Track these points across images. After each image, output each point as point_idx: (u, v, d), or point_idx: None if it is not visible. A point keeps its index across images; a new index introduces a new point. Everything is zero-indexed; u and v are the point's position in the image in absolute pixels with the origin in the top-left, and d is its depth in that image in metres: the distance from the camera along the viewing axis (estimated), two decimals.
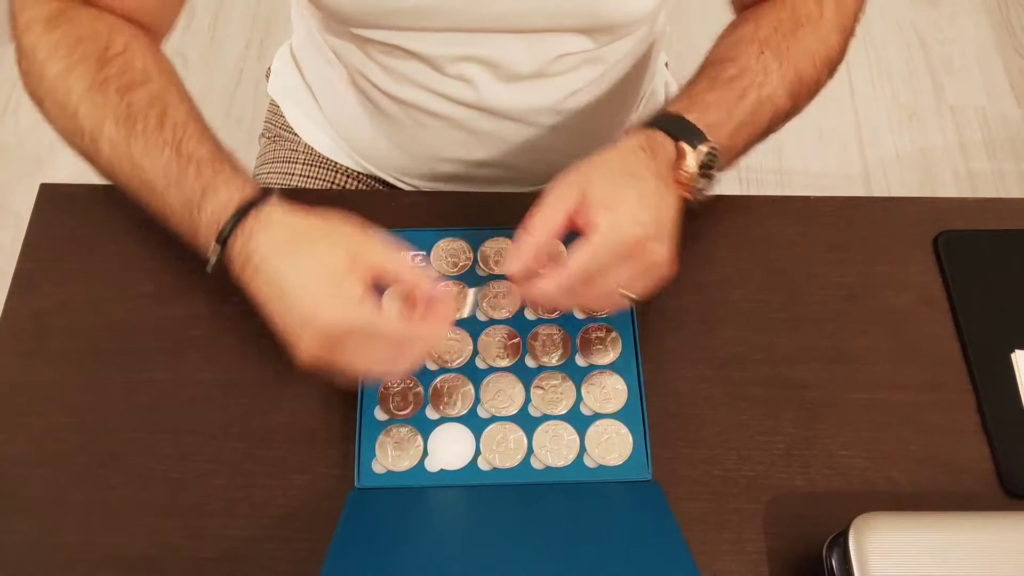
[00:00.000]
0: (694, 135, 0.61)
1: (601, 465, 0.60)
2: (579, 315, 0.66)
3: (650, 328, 0.66)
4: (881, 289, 0.69)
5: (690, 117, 0.62)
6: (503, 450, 0.61)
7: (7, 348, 0.66)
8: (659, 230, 0.56)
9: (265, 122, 0.98)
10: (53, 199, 0.73)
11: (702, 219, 0.71)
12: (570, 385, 0.63)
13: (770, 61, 0.66)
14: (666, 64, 0.99)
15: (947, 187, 1.69)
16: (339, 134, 0.90)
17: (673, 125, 0.62)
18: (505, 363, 0.64)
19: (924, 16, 1.92)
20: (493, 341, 0.65)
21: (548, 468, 0.60)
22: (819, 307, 0.68)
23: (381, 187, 0.92)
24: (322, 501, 0.60)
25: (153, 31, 0.68)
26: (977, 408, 0.64)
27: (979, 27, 1.90)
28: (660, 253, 0.56)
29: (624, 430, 0.62)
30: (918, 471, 0.61)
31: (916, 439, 0.63)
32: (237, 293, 0.67)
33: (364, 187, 0.92)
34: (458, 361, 0.64)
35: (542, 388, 0.63)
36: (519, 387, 0.63)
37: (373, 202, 0.73)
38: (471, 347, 0.64)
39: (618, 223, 0.55)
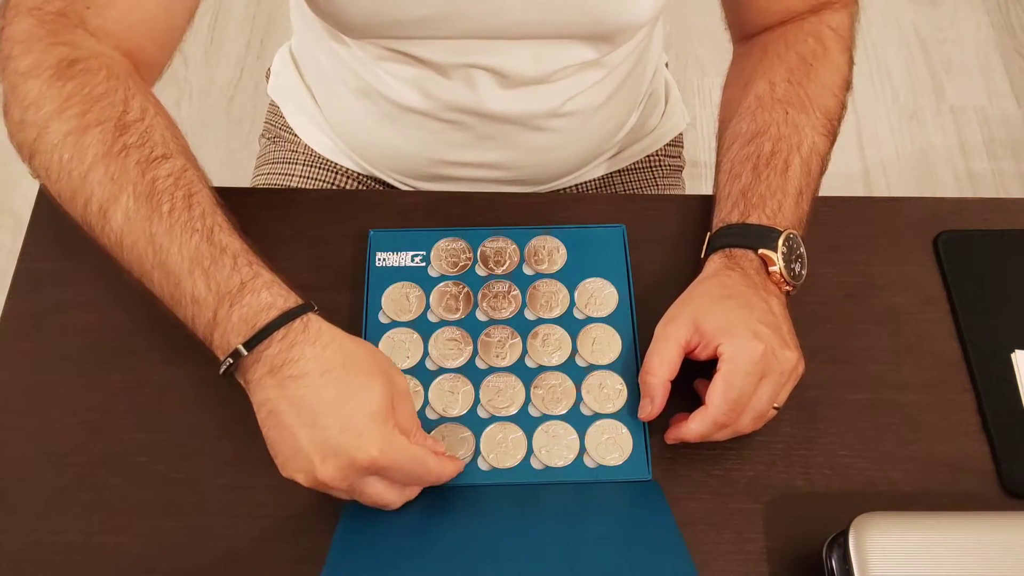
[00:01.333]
0: (767, 236, 0.62)
1: (601, 465, 0.60)
2: (579, 315, 0.66)
3: (650, 328, 0.66)
4: (881, 289, 0.69)
5: (753, 220, 0.63)
6: (503, 450, 0.61)
7: (7, 348, 0.66)
8: (779, 335, 0.59)
9: (265, 122, 0.98)
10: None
11: (703, 219, 0.71)
12: (570, 385, 0.63)
13: (797, 117, 0.67)
14: (666, 64, 0.99)
15: (947, 187, 1.69)
16: (339, 135, 0.90)
17: (743, 237, 0.63)
18: (505, 363, 0.64)
19: (924, 16, 1.92)
20: (493, 341, 0.65)
21: (548, 468, 0.60)
22: (819, 307, 0.68)
23: (381, 188, 0.92)
24: (322, 501, 0.60)
25: (151, 66, 0.65)
26: (977, 408, 0.64)
27: (979, 27, 1.90)
28: (788, 358, 0.58)
29: (624, 430, 0.62)
30: (918, 471, 0.61)
31: (916, 439, 0.63)
32: None
33: (364, 188, 0.92)
34: (459, 360, 0.64)
35: (542, 388, 0.63)
36: (519, 387, 0.63)
37: (373, 202, 0.73)
38: (471, 347, 0.64)
39: (740, 345, 0.57)
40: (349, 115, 0.85)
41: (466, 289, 0.67)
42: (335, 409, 0.51)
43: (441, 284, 0.67)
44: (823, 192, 0.71)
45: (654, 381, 0.59)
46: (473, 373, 0.64)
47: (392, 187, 0.91)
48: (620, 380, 0.63)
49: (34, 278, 0.69)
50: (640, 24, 0.73)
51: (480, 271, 0.68)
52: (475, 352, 0.64)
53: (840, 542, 0.53)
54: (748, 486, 0.61)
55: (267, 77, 0.99)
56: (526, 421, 0.62)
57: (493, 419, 0.62)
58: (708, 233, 0.66)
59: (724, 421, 0.57)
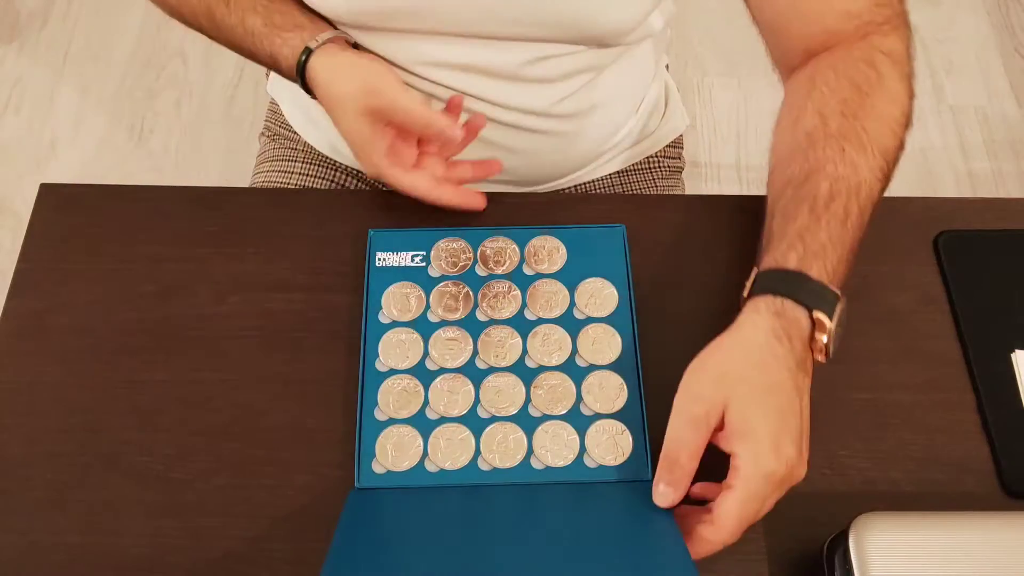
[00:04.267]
0: (824, 299, 0.56)
1: (601, 465, 0.60)
2: (579, 315, 0.66)
3: (650, 328, 0.66)
4: (881, 289, 0.69)
5: (814, 274, 0.57)
6: (503, 450, 0.61)
7: (7, 348, 0.66)
8: (798, 450, 0.53)
9: (265, 121, 0.98)
10: (53, 199, 0.73)
11: (703, 219, 0.71)
12: (570, 385, 0.63)
13: (855, 156, 0.62)
14: (667, 66, 0.98)
15: (947, 187, 1.69)
16: (337, 133, 0.89)
17: (801, 290, 0.56)
18: (505, 363, 0.64)
19: (924, 16, 1.92)
20: (493, 341, 0.65)
21: (548, 468, 0.60)
22: None
23: (381, 186, 0.92)
24: (322, 501, 0.60)
25: None
26: (977, 408, 0.64)
27: (979, 27, 1.90)
28: (798, 476, 0.53)
29: (624, 430, 0.62)
30: (918, 471, 0.61)
31: (916, 439, 0.63)
32: (237, 293, 0.68)
33: (364, 185, 0.91)
34: (459, 360, 0.64)
35: (542, 388, 0.63)
36: (519, 387, 0.63)
37: (373, 202, 0.73)
38: (471, 347, 0.64)
39: (761, 462, 0.52)
40: None
41: (466, 289, 0.67)
42: (342, 134, 0.69)
43: (441, 284, 0.67)
44: None
45: (679, 473, 0.54)
46: (473, 373, 0.64)
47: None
48: (620, 380, 0.63)
49: (34, 278, 0.69)
50: (622, 31, 0.73)
51: (480, 271, 0.68)
52: (475, 352, 0.64)
53: (840, 542, 0.53)
54: None
55: (267, 75, 0.99)
56: (526, 421, 0.62)
57: (493, 419, 0.62)
58: (755, 268, 0.60)
59: (731, 543, 0.53)
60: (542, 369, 0.64)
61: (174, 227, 0.71)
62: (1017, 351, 0.65)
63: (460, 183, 0.71)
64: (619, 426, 0.62)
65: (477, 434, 0.61)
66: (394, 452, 0.60)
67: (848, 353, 0.66)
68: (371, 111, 0.65)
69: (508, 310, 0.66)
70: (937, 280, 0.69)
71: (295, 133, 0.93)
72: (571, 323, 0.66)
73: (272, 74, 0.97)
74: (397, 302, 0.66)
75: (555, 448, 0.61)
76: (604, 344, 0.65)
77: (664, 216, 0.72)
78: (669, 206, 0.75)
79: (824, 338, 0.56)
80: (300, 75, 0.68)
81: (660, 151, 0.96)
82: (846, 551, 0.52)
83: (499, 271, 0.68)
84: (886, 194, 0.65)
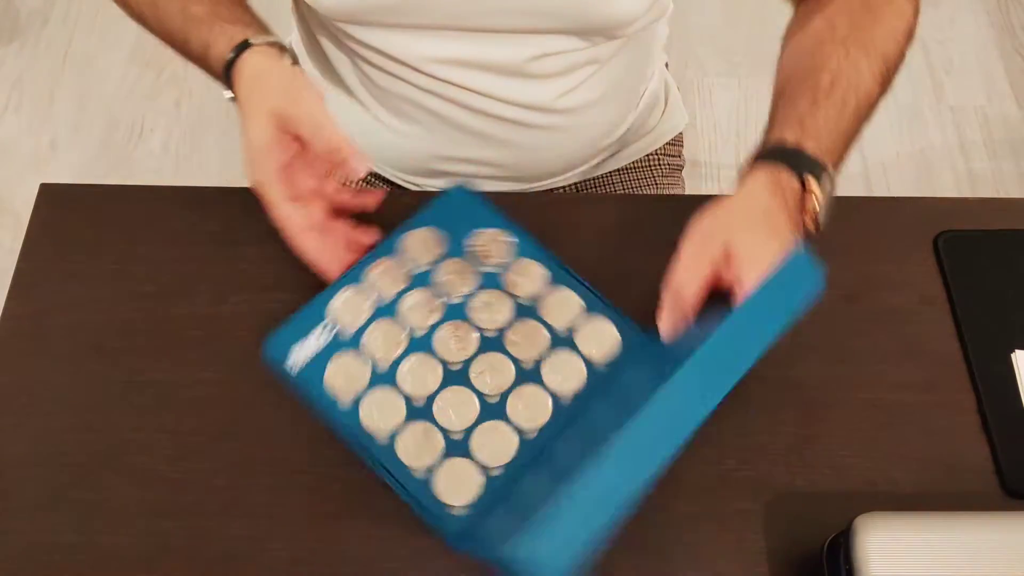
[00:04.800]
0: (817, 167, 0.61)
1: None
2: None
3: (650, 327, 0.66)
4: (881, 289, 0.69)
5: (808, 147, 0.61)
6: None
7: (7, 348, 0.66)
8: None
9: None
10: (53, 199, 0.73)
11: None
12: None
13: (859, 58, 0.66)
14: (666, 64, 0.99)
15: (947, 187, 1.69)
16: None
17: (794, 159, 0.61)
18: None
19: (924, 16, 1.89)
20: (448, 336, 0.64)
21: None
22: (819, 307, 0.68)
23: (380, 183, 0.92)
24: (322, 501, 0.60)
25: None
26: (977, 408, 0.64)
27: (979, 27, 1.90)
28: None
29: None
30: (918, 471, 0.61)
31: (916, 439, 0.63)
32: (237, 293, 0.68)
33: (363, 183, 0.92)
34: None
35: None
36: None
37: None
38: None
39: (761, 261, 0.55)
40: (346, 109, 0.85)
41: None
42: (242, 139, 0.63)
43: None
44: None
45: (681, 302, 0.58)
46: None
47: (391, 182, 0.91)
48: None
49: (34, 278, 0.69)
50: (626, 20, 0.73)
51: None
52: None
53: (840, 542, 0.53)
54: (748, 486, 0.61)
55: None
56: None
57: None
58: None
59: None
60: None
61: (174, 227, 0.71)
62: (1017, 351, 0.65)
63: (338, 208, 0.66)
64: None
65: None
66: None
67: (848, 353, 0.66)
68: (282, 118, 0.61)
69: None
70: (937, 280, 0.69)
71: None
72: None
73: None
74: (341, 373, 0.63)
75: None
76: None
77: (664, 216, 0.72)
78: (670, 206, 0.75)
79: (815, 204, 0.60)
80: (228, 67, 0.65)
81: (660, 148, 0.96)
82: (846, 551, 0.52)
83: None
84: (885, 194, 0.65)
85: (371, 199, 0.68)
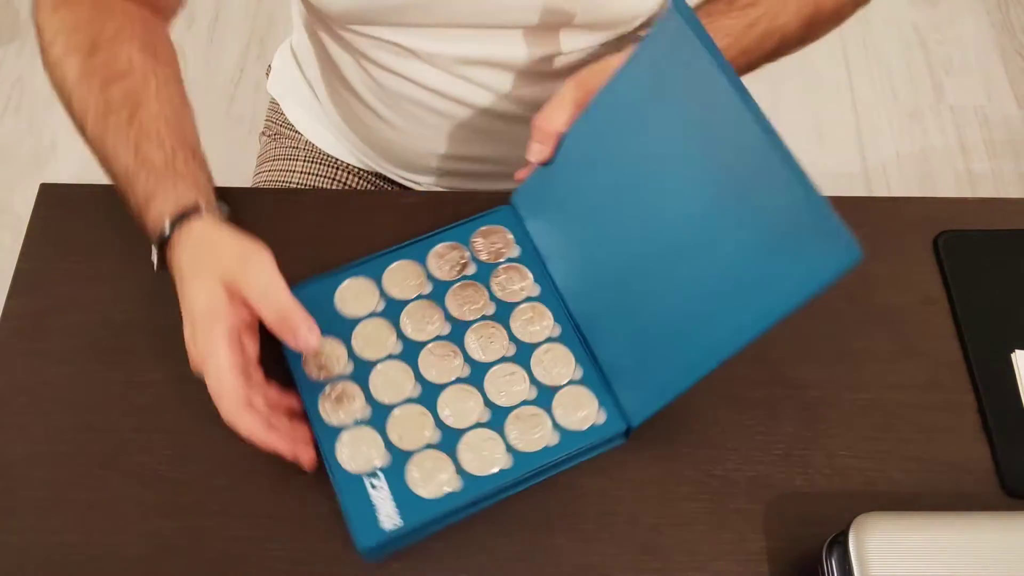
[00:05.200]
0: None
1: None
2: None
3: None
4: (881, 289, 0.69)
5: None
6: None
7: (7, 348, 0.66)
8: None
9: (266, 120, 0.98)
10: (53, 199, 0.73)
11: None
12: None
13: None
14: None
15: (947, 187, 1.69)
16: (339, 130, 0.90)
17: None
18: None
19: (924, 16, 1.92)
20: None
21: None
22: (819, 307, 0.67)
23: (383, 183, 0.92)
24: (322, 501, 0.60)
25: (161, 8, 0.70)
26: (977, 408, 0.64)
27: (979, 27, 1.90)
28: None
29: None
30: (918, 471, 0.61)
31: (916, 439, 0.63)
32: None
33: (365, 183, 0.92)
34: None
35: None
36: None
37: (373, 202, 0.73)
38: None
39: None
40: (349, 109, 0.85)
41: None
42: (183, 304, 0.59)
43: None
44: (823, 192, 0.70)
45: (547, 129, 0.63)
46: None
47: (394, 182, 0.91)
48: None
49: (34, 278, 0.69)
50: (638, 15, 0.73)
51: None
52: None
53: (840, 542, 0.53)
54: (748, 486, 0.61)
55: (267, 75, 0.99)
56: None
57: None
58: None
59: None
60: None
61: None
62: (1017, 351, 0.65)
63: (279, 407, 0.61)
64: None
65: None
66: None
67: (848, 353, 0.66)
68: (233, 282, 0.56)
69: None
70: (937, 280, 0.69)
71: (297, 132, 0.93)
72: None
73: (273, 73, 0.97)
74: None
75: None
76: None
77: None
78: None
79: None
80: (174, 222, 0.59)
81: None
82: (846, 551, 0.52)
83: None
84: (885, 194, 0.66)
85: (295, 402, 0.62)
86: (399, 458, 0.59)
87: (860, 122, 1.77)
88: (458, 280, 0.66)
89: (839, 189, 1.70)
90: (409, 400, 0.61)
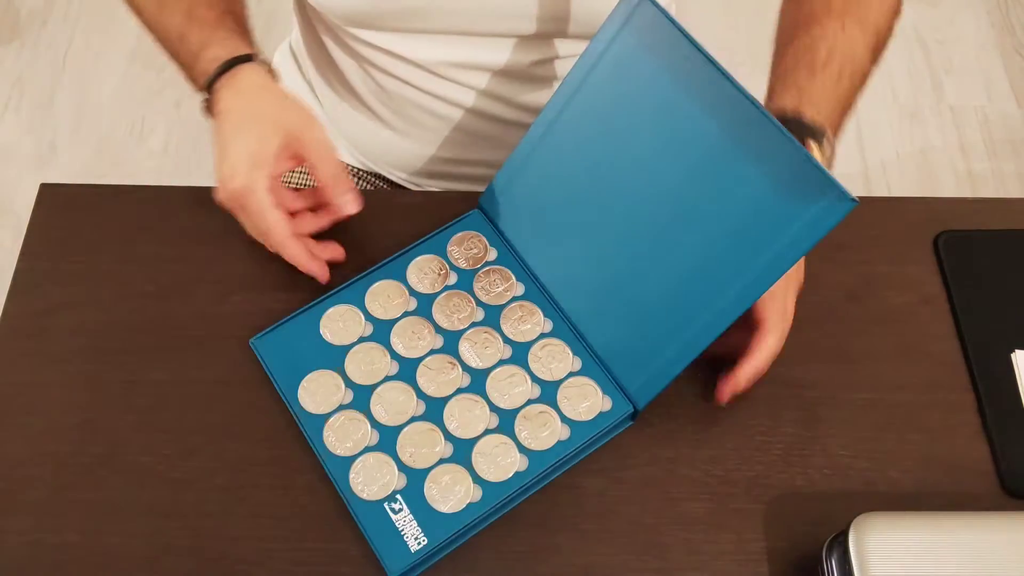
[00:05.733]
0: (817, 133, 0.61)
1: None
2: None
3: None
4: (881, 289, 0.69)
5: (807, 115, 0.62)
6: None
7: (7, 348, 0.66)
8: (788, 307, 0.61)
9: None
10: (53, 199, 0.73)
11: None
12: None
13: (854, 31, 0.67)
14: None
15: (947, 187, 1.69)
16: (338, 130, 0.90)
17: (795, 126, 0.61)
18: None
19: (924, 16, 1.92)
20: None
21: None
22: (819, 307, 0.68)
23: (382, 184, 0.92)
24: (322, 501, 0.60)
25: None
26: (977, 408, 0.64)
27: (979, 27, 1.90)
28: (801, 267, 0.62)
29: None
30: (918, 471, 0.61)
31: (916, 439, 0.63)
32: (237, 293, 0.68)
33: (364, 183, 0.92)
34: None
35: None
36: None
37: (372, 202, 0.73)
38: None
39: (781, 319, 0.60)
40: (348, 110, 0.85)
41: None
42: (226, 144, 0.62)
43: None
44: None
45: (744, 374, 0.60)
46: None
47: (393, 183, 0.91)
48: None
49: (34, 278, 0.69)
50: None
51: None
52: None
53: (840, 542, 0.53)
54: (748, 486, 0.61)
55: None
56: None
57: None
58: None
59: (779, 347, 0.60)
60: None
61: (174, 227, 0.71)
62: (1017, 351, 0.65)
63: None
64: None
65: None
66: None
67: (848, 353, 0.66)
68: (293, 136, 0.62)
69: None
70: (937, 280, 0.69)
71: None
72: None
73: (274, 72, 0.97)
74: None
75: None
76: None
77: None
78: None
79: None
80: (222, 69, 0.64)
81: None
82: (846, 551, 0.52)
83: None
84: (885, 194, 0.65)
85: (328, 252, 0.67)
86: (415, 477, 0.59)
87: (860, 122, 1.77)
88: (441, 291, 0.66)
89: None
90: (414, 419, 0.61)
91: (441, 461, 0.59)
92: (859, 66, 0.66)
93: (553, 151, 0.64)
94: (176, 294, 0.68)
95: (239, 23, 0.69)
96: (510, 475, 0.59)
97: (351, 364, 0.63)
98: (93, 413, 0.63)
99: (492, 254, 0.68)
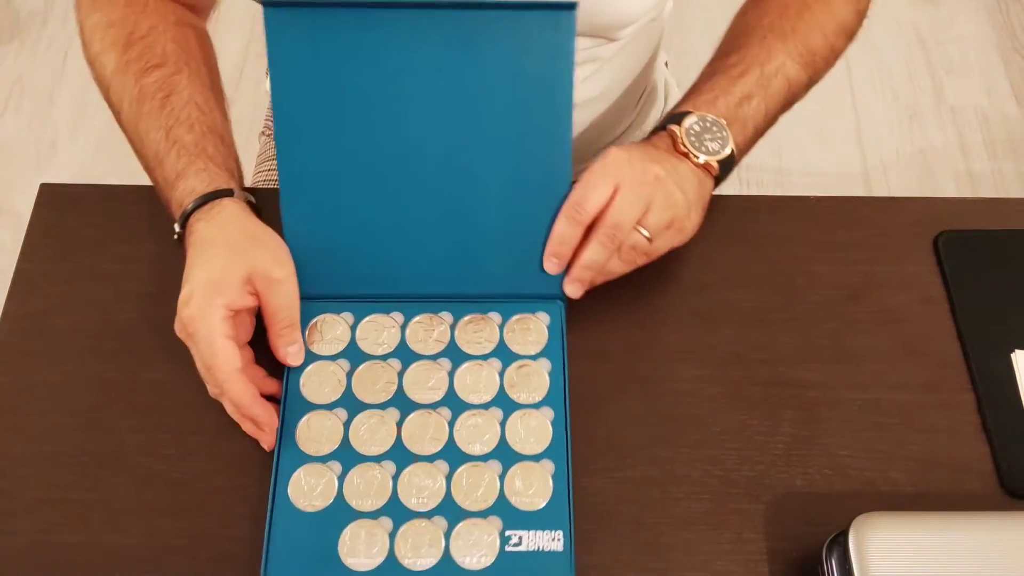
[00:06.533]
0: (679, 116, 0.65)
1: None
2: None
3: (650, 328, 0.66)
4: (881, 289, 0.69)
5: (679, 110, 0.66)
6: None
7: (7, 348, 0.66)
8: (656, 162, 0.62)
9: (265, 120, 0.99)
10: (53, 199, 0.73)
11: (702, 219, 0.71)
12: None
13: (774, 42, 0.69)
14: (666, 63, 0.99)
15: (947, 187, 1.69)
16: None
17: (664, 121, 0.66)
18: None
19: (924, 16, 1.92)
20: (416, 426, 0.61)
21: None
22: (819, 307, 0.68)
23: None
24: None
25: (196, 5, 0.74)
26: (977, 408, 0.64)
27: (979, 27, 1.90)
28: (649, 170, 0.61)
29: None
30: (918, 471, 0.61)
31: (916, 439, 0.63)
32: None
33: None
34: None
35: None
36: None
37: None
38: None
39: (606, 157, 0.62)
40: None
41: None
42: (190, 270, 0.60)
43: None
44: (823, 192, 0.70)
45: (580, 223, 0.62)
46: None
47: None
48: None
49: (34, 278, 0.69)
50: (629, 21, 0.73)
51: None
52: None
53: (840, 542, 0.53)
54: (748, 486, 0.61)
55: (266, 74, 0.99)
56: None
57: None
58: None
59: (576, 217, 0.61)
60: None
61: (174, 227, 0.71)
62: (1017, 351, 0.65)
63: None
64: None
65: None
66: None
67: (848, 353, 0.66)
68: (256, 273, 0.59)
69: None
70: (937, 280, 0.69)
71: None
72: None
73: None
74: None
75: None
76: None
77: None
78: None
79: (680, 139, 0.64)
80: (205, 199, 0.62)
81: None
82: (846, 551, 0.52)
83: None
84: (885, 194, 0.66)
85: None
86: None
87: (860, 122, 1.77)
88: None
89: (839, 189, 1.70)
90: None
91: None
92: (774, 68, 0.68)
93: (327, 181, 0.63)
94: (176, 294, 0.67)
95: (220, 145, 0.66)
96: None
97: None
98: (93, 413, 0.63)
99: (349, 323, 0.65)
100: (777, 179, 1.69)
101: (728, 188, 0.69)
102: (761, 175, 1.70)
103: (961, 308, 0.67)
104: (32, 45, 1.85)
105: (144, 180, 0.70)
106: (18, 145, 1.72)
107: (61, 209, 0.72)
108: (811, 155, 1.72)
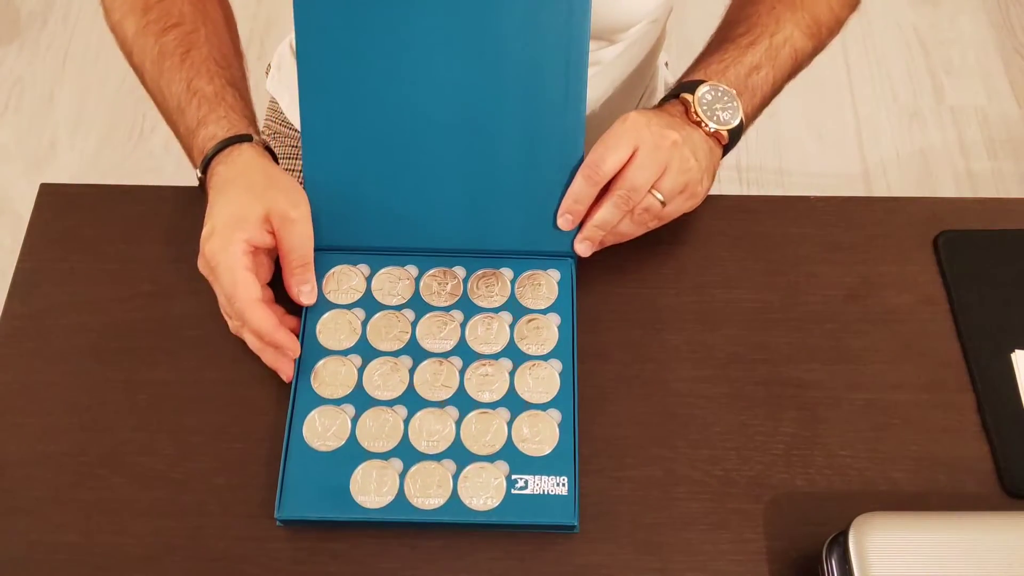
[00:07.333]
0: (693, 87, 0.66)
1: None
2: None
3: (650, 327, 0.66)
4: (881, 289, 0.69)
5: (691, 78, 0.67)
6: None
7: (7, 348, 0.66)
8: (672, 128, 0.63)
9: (265, 119, 0.98)
10: (53, 199, 0.73)
11: (703, 219, 0.71)
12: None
13: (782, 12, 0.70)
14: (666, 64, 0.99)
15: (947, 187, 1.69)
16: None
17: (676, 89, 0.68)
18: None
19: (924, 16, 1.92)
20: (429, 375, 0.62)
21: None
22: (819, 307, 0.68)
23: None
24: None
25: None
26: (977, 408, 0.64)
27: (979, 27, 1.90)
28: (668, 136, 0.62)
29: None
30: (918, 471, 0.61)
31: (916, 439, 0.63)
32: None
33: None
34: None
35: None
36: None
37: None
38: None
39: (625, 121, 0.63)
40: None
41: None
42: (211, 208, 0.62)
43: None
44: (823, 192, 0.70)
45: (595, 182, 0.63)
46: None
47: None
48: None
49: (34, 278, 0.69)
50: (633, 21, 0.73)
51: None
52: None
53: (840, 542, 0.53)
54: (748, 486, 0.61)
55: (266, 74, 0.99)
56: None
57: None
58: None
59: (594, 177, 0.62)
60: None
61: (174, 227, 0.71)
62: (1017, 351, 0.65)
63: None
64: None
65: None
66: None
67: (848, 353, 0.66)
68: (274, 212, 0.62)
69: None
70: (937, 280, 0.69)
71: (296, 131, 0.93)
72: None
73: (272, 72, 0.97)
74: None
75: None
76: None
77: None
78: None
79: (693, 108, 0.65)
80: (220, 147, 0.64)
81: None
82: (846, 551, 0.52)
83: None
84: (885, 194, 0.66)
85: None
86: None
87: (860, 122, 1.77)
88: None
89: (839, 189, 1.70)
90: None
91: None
92: (782, 39, 0.69)
93: (347, 131, 0.65)
94: (176, 294, 0.68)
95: (239, 97, 0.69)
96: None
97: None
98: (93, 413, 0.63)
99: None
100: (777, 179, 1.69)
101: (728, 188, 0.69)
102: (761, 175, 1.70)
103: (961, 308, 0.67)
104: (32, 45, 1.85)
105: (144, 180, 0.70)
106: (18, 145, 1.72)
107: (61, 209, 0.72)
108: (811, 155, 1.72)
